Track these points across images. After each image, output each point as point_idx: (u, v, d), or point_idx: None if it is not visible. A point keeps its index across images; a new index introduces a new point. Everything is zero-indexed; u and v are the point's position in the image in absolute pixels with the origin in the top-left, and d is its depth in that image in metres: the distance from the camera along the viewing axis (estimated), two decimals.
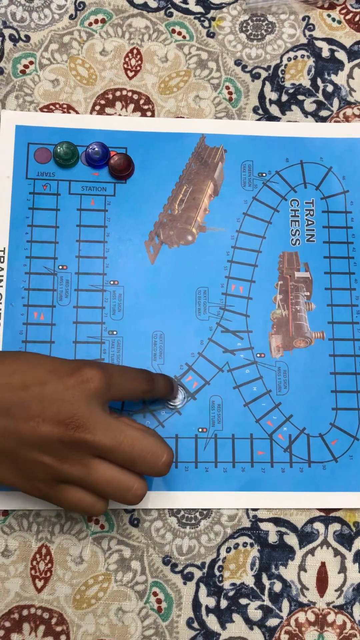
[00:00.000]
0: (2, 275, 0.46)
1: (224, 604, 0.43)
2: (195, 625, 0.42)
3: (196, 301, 0.47)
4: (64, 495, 0.38)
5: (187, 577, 0.43)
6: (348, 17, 0.52)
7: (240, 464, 0.45)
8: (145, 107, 0.50)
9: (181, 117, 0.50)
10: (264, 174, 0.49)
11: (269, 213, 0.49)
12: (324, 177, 0.49)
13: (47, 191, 0.48)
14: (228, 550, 0.44)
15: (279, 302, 0.47)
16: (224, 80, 0.51)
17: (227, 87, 0.50)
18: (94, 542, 0.43)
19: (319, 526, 0.44)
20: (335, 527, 0.44)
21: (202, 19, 0.51)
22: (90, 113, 0.49)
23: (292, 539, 0.44)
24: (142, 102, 0.50)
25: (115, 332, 0.46)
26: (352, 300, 0.47)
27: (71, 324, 0.46)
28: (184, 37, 0.51)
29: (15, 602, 0.42)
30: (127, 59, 0.50)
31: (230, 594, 0.43)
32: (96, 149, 0.47)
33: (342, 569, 0.44)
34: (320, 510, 0.44)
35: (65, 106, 0.49)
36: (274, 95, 0.51)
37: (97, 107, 0.49)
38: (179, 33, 0.51)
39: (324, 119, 0.50)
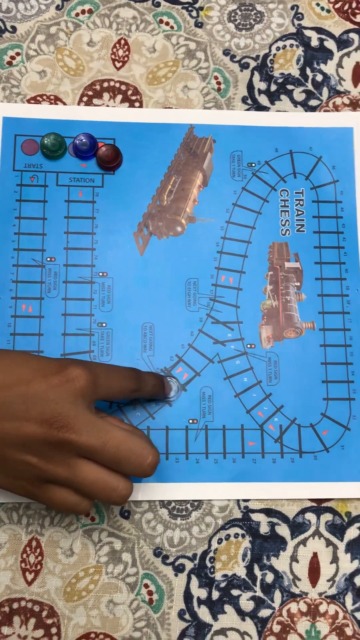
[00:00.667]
0: None
1: (215, 595, 0.43)
2: (187, 616, 0.42)
3: (186, 292, 0.47)
4: (50, 495, 0.38)
5: (179, 569, 0.43)
6: (337, 5, 0.52)
7: (231, 455, 0.44)
8: (133, 97, 0.49)
9: (169, 107, 0.49)
10: (253, 164, 0.49)
11: (259, 203, 0.48)
12: (313, 166, 0.49)
13: (35, 183, 0.47)
14: (219, 541, 0.43)
15: (269, 293, 0.47)
16: (213, 71, 0.50)
17: (216, 77, 0.50)
18: (85, 534, 0.43)
19: (310, 516, 0.44)
20: (327, 517, 0.44)
21: (189, 8, 0.51)
22: (78, 104, 0.49)
23: (283, 530, 0.44)
24: (130, 92, 0.49)
25: (104, 324, 0.46)
26: (343, 290, 0.47)
27: (60, 316, 0.46)
28: (171, 27, 0.51)
29: (6, 595, 0.42)
30: (114, 50, 0.50)
31: (222, 585, 0.43)
32: (84, 140, 0.47)
33: (334, 559, 0.44)
34: (312, 500, 0.44)
35: (52, 97, 0.49)
36: (262, 85, 0.50)
37: (85, 99, 0.49)
38: (167, 23, 0.51)
39: (313, 109, 0.50)
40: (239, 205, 0.48)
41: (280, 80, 0.50)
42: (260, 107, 0.50)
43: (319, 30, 0.51)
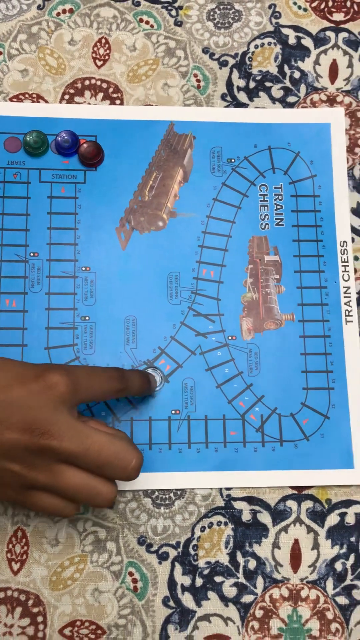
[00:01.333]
0: None
1: (199, 582, 0.43)
2: (171, 603, 0.43)
3: (168, 286, 0.48)
4: (35, 501, 0.38)
5: (162, 557, 0.44)
6: (314, 4, 0.53)
7: (213, 444, 0.45)
8: (114, 95, 0.50)
9: (150, 105, 0.50)
10: (232, 160, 0.50)
11: (239, 198, 0.49)
12: (291, 162, 0.50)
13: (18, 180, 0.48)
14: (202, 529, 0.44)
15: (250, 286, 0.48)
16: (192, 68, 0.51)
17: (195, 75, 0.51)
18: (70, 524, 0.44)
19: (291, 504, 0.45)
20: (307, 504, 0.45)
21: (169, 8, 0.52)
22: (60, 102, 0.50)
23: (265, 517, 0.45)
24: (111, 90, 0.50)
25: (87, 318, 0.47)
26: (321, 282, 0.48)
27: (43, 310, 0.46)
28: (151, 26, 0.52)
29: None
30: (95, 49, 0.51)
31: (205, 572, 0.44)
32: (65, 137, 0.48)
33: (315, 546, 0.44)
34: (293, 488, 0.45)
35: (34, 96, 0.50)
36: (241, 82, 0.51)
37: (67, 97, 0.50)
38: (147, 22, 0.52)
39: (291, 105, 0.51)
40: (219, 200, 0.49)
41: (258, 78, 0.51)
42: (239, 104, 0.51)
43: (296, 28, 0.52)
